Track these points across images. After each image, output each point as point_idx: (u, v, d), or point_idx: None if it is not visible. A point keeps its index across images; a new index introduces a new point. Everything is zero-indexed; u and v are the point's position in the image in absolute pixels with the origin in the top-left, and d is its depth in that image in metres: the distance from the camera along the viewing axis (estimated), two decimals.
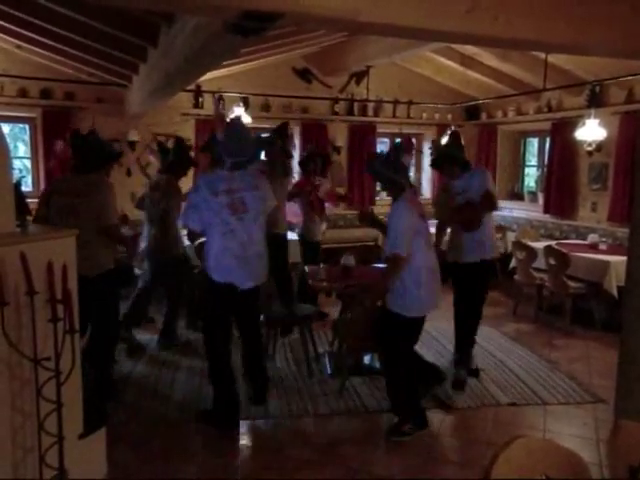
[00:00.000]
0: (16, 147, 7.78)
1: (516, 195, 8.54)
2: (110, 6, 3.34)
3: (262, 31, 2.28)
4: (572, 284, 5.63)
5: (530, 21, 2.66)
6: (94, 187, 3.73)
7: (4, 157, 2.61)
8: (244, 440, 3.54)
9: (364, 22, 2.49)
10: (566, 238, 7.06)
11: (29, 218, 2.80)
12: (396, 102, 8.34)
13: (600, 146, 6.54)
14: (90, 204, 3.66)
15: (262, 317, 4.62)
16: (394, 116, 8.42)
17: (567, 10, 2.65)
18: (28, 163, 7.42)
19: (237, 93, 7.36)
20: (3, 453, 2.42)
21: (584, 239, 6.49)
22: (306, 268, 5.01)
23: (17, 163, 7.60)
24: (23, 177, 7.50)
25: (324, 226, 6.20)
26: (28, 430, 2.48)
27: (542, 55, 6.02)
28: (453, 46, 6.81)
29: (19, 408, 2.46)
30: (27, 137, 7.36)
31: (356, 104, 8.20)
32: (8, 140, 8.11)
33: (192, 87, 7.19)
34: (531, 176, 8.75)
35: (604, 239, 6.24)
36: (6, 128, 7.83)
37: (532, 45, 3.09)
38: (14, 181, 2.75)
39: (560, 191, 7.26)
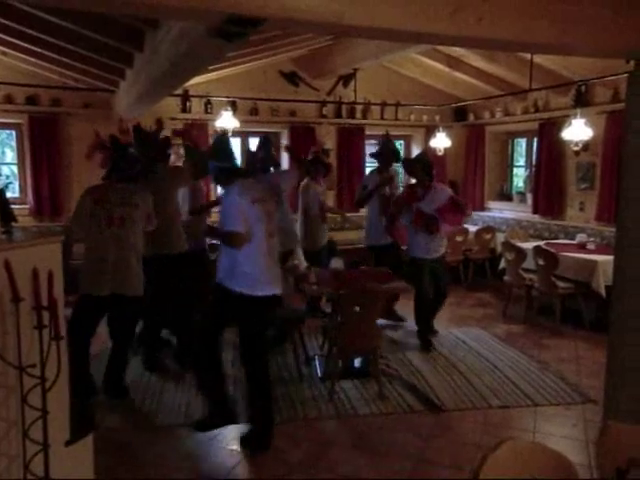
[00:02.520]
0: (4, 153, 7.72)
1: (505, 196, 8.58)
2: (95, 12, 3.33)
3: (245, 35, 2.27)
4: (561, 284, 5.66)
5: (514, 22, 2.67)
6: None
7: None
8: (233, 445, 3.51)
9: (348, 25, 2.49)
10: (555, 238, 7.09)
11: (14, 224, 2.76)
12: (384, 104, 8.36)
13: (587, 146, 6.58)
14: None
15: None
16: (382, 118, 8.43)
17: (550, 11, 2.66)
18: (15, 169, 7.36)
19: (225, 97, 7.34)
20: None
21: (573, 239, 6.53)
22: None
23: (5, 169, 7.54)
24: (10, 183, 7.45)
25: (443, 243, 5.22)
26: (13, 438, 2.45)
27: (528, 56, 6.07)
28: (439, 48, 6.83)
29: (4, 416, 2.43)
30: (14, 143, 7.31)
31: (344, 107, 8.21)
32: None
33: (180, 92, 7.17)
34: (520, 177, 8.80)
35: (592, 239, 6.28)
36: None
37: (517, 46, 3.11)
38: None
39: (548, 191, 7.30)
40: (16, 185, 7.28)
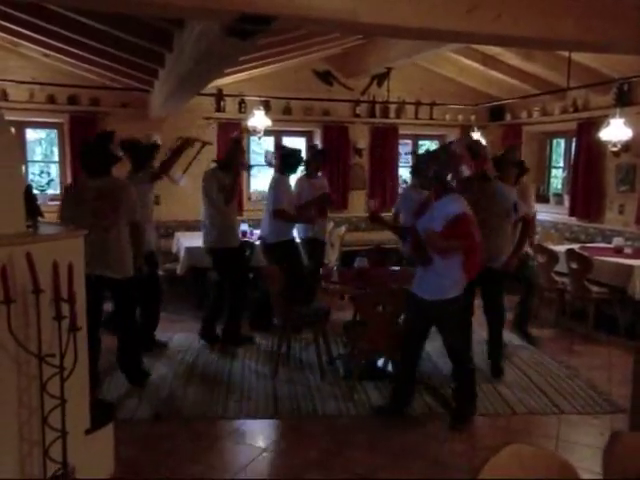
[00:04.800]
0: (52, 152, 8.00)
1: (541, 197, 8.35)
2: (122, 14, 3.43)
3: (258, 34, 2.29)
4: (595, 289, 5.48)
5: (535, 18, 2.61)
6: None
7: (16, 160, 2.71)
8: (251, 440, 3.56)
9: (364, 23, 2.49)
10: (592, 241, 6.87)
11: (40, 219, 2.87)
12: (418, 103, 8.28)
13: (628, 146, 6.36)
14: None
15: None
16: (416, 117, 8.35)
17: (573, 6, 2.59)
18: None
19: (258, 96, 7.42)
20: (10, 446, 2.49)
21: (611, 243, 6.31)
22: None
23: (53, 167, 7.81)
24: (52, 180, 7.74)
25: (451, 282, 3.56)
26: (34, 425, 2.55)
27: (566, 53, 5.88)
28: (474, 46, 6.71)
29: (26, 403, 2.53)
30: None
31: (378, 106, 8.16)
32: (44, 145, 8.27)
33: (214, 91, 7.29)
34: (558, 178, 8.56)
35: (630, 242, 6.06)
36: (42, 133, 8.08)
37: (539, 43, 3.03)
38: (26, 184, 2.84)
39: (586, 193, 7.08)
40: (57, 182, 7.55)
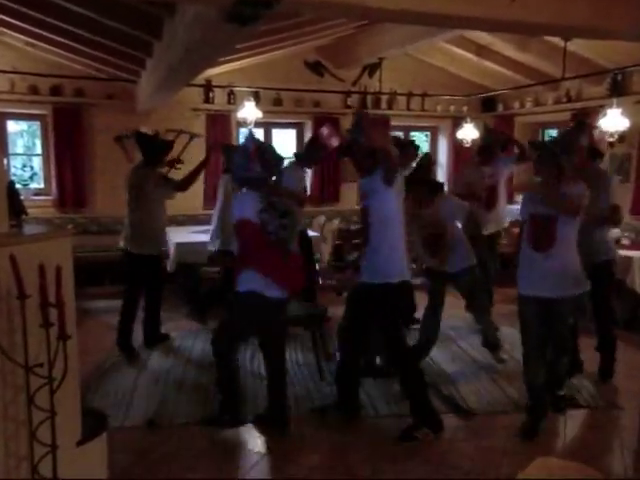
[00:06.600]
0: (34, 144, 7.76)
1: None
2: None
3: (258, 18, 2.13)
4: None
5: (548, 3, 2.48)
6: None
7: None
8: (249, 445, 3.43)
9: (372, 8, 2.35)
10: None
11: (24, 217, 2.70)
12: (410, 94, 8.15)
13: (623, 137, 6.29)
14: None
15: None
16: (408, 109, 8.23)
17: None
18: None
19: (247, 87, 7.24)
20: None
21: None
22: None
23: (36, 160, 7.57)
24: (35, 174, 7.50)
25: None
26: (22, 439, 2.39)
27: (561, 43, 5.80)
28: (468, 36, 6.60)
29: (12, 416, 2.37)
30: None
31: (369, 97, 8.02)
32: (26, 137, 8.04)
33: (202, 82, 7.09)
34: None
35: (626, 234, 6.00)
36: (24, 125, 7.82)
37: (551, 29, 2.91)
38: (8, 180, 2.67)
39: None
40: (41, 176, 7.31)
